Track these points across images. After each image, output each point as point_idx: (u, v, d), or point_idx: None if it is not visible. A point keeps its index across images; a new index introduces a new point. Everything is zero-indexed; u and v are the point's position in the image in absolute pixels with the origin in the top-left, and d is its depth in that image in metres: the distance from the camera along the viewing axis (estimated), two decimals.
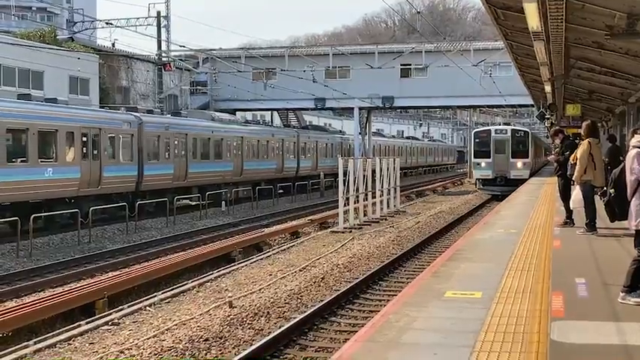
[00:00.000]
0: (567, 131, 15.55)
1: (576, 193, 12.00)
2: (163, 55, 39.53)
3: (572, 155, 12.02)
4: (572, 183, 12.55)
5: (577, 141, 13.64)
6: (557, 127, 15.56)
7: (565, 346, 5.28)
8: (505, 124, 42.08)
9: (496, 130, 36.65)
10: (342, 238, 19.39)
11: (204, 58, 44.99)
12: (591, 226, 11.69)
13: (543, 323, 6.13)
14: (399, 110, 77.33)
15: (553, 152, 15.06)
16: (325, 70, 42.19)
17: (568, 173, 12.25)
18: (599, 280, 7.71)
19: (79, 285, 13.09)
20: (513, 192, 26.96)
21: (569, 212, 12.94)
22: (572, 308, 6.38)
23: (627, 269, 6.61)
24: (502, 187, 33.61)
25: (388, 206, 26.46)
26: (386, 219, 24.38)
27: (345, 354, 5.51)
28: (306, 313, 10.38)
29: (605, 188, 11.66)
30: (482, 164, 35.37)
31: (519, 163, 34.83)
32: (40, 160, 20.61)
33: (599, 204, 11.80)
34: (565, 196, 13.07)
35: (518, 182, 32.07)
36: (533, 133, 41.96)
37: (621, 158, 12.59)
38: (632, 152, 6.70)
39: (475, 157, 36.71)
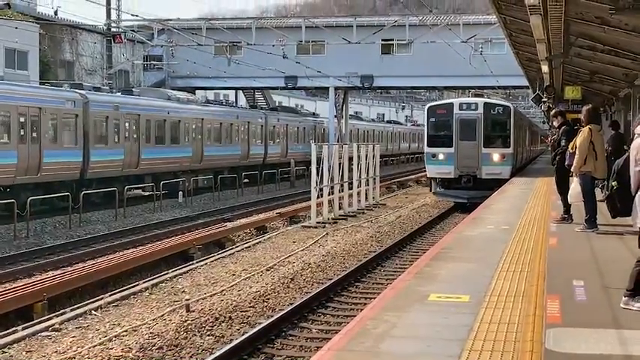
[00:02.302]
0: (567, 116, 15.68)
1: (575, 185, 12.13)
2: (113, 25, 39.12)
3: (571, 143, 12.13)
4: (570, 174, 12.67)
5: (576, 127, 13.76)
6: (559, 109, 15.69)
7: (561, 356, 5.33)
8: (476, 95, 32.46)
9: (462, 104, 27.74)
10: (314, 234, 19.43)
11: (159, 30, 44.58)
12: (591, 222, 11.83)
13: (537, 330, 6.19)
14: (379, 91, 77.53)
15: (549, 138, 15.21)
16: (297, 45, 42.07)
17: (566, 163, 12.36)
18: (599, 283, 7.80)
19: (15, 285, 12.95)
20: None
21: (567, 207, 13.08)
22: (570, 314, 6.45)
23: (630, 271, 6.66)
24: (469, 190, 26.47)
25: (366, 198, 26.55)
26: (364, 213, 24.47)
27: None
28: (273, 318, 10.41)
29: (606, 181, 11.84)
30: (441, 156, 27.01)
31: (496, 155, 26.85)
32: None
33: (601, 198, 12.00)
34: (562, 188, 13.20)
35: (494, 184, 24.92)
36: (518, 110, 34.49)
37: (625, 147, 12.82)
38: (637, 141, 6.75)
39: (430, 145, 27.62)
